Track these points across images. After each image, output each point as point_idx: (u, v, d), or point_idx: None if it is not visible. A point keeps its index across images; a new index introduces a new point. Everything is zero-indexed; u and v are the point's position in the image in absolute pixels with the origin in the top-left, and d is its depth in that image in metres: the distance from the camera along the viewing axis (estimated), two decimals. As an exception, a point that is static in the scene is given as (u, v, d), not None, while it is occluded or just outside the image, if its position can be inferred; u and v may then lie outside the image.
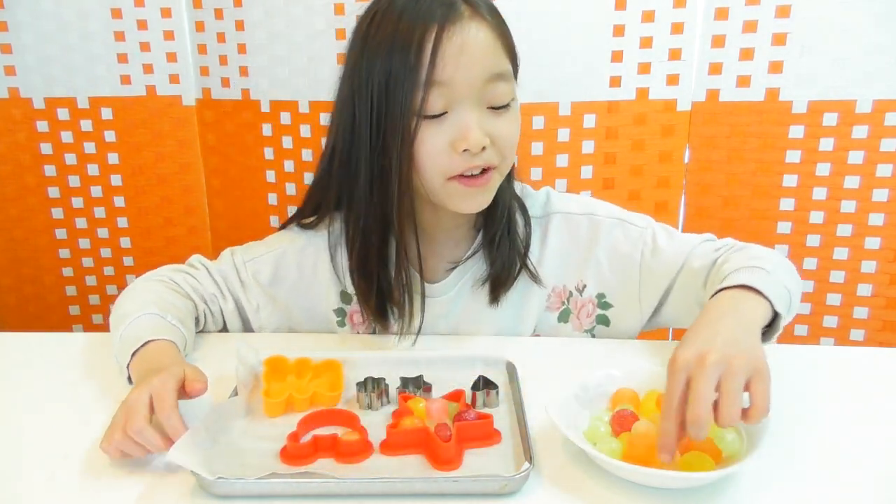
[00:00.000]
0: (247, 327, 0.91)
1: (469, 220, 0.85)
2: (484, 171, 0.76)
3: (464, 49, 0.72)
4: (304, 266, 0.88)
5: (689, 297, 0.83)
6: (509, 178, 0.83)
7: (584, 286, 0.87)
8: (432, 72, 0.71)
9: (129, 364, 0.73)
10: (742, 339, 0.61)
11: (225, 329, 0.90)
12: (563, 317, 0.88)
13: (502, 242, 0.83)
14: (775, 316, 0.70)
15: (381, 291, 0.82)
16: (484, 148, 0.74)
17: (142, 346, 0.73)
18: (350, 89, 0.76)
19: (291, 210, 0.95)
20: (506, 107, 0.76)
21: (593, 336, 0.89)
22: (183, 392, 0.65)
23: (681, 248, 0.84)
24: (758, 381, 0.56)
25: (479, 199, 0.78)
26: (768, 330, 0.71)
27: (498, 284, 0.84)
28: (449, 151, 0.74)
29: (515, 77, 0.79)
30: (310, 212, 0.88)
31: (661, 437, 0.55)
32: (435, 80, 0.72)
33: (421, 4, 0.73)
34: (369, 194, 0.77)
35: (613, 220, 0.86)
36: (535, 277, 0.85)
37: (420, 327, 0.82)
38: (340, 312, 0.89)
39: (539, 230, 0.87)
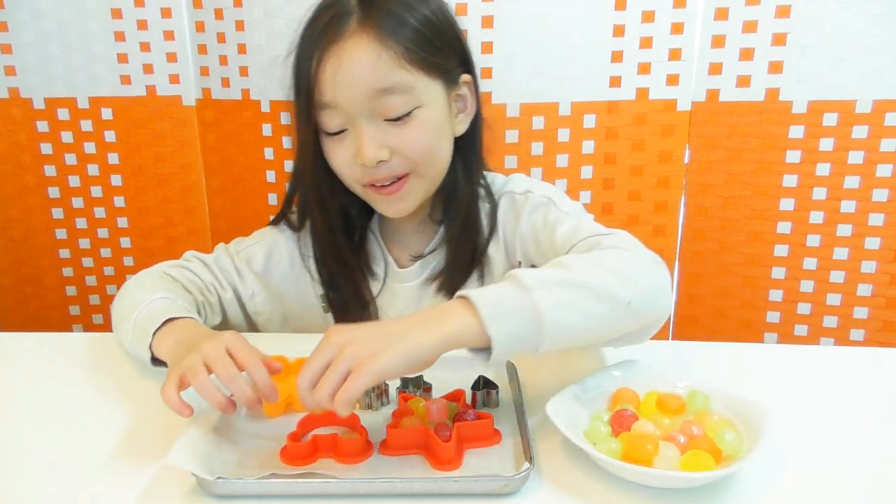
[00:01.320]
0: (245, 315, 0.92)
1: (428, 214, 0.88)
2: (399, 178, 0.79)
3: (338, 71, 0.74)
4: (294, 255, 0.92)
5: None
6: (470, 173, 0.85)
7: (520, 262, 0.88)
8: (317, 94, 0.75)
9: (151, 344, 0.71)
10: (389, 339, 0.56)
11: (225, 320, 0.91)
12: None
13: (461, 238, 0.86)
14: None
15: (338, 284, 0.88)
16: (384, 161, 0.76)
17: (161, 324, 0.72)
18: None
19: (291, 210, 0.96)
20: (406, 116, 0.76)
21: None
22: None
23: (570, 238, 0.77)
24: (354, 375, 0.54)
25: (398, 205, 0.82)
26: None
27: (451, 278, 0.87)
28: (353, 164, 0.78)
29: (449, 75, 0.79)
30: (289, 210, 0.92)
31: (300, 393, 0.56)
32: (321, 102, 0.75)
33: (317, 22, 0.76)
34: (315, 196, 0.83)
35: (543, 199, 0.85)
36: (482, 279, 0.87)
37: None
38: (325, 298, 0.92)
39: (494, 213, 0.89)
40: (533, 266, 0.86)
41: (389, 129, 0.76)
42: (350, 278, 0.89)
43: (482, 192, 0.88)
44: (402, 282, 0.90)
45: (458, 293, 0.60)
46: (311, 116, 0.77)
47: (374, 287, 0.91)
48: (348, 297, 0.89)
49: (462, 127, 0.84)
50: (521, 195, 0.87)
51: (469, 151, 0.85)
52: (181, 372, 0.61)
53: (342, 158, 0.79)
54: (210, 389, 0.60)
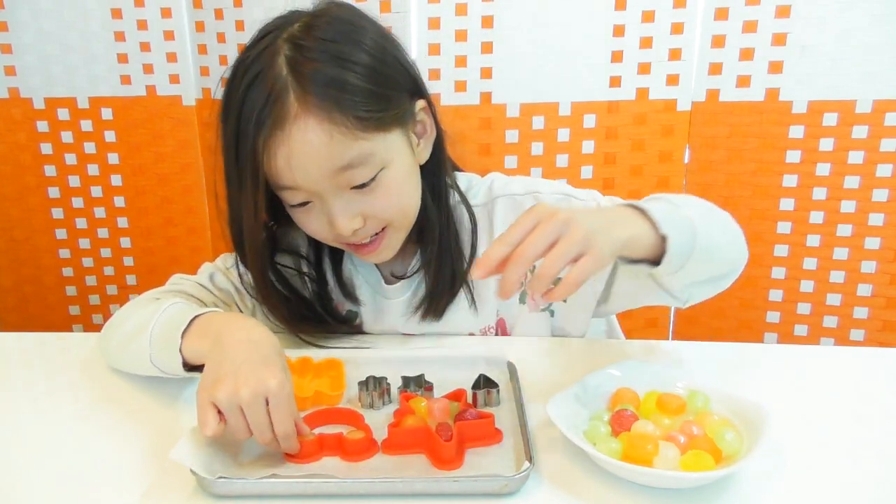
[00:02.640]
0: None
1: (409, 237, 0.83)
2: (376, 234, 0.76)
3: (291, 158, 0.68)
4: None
5: (634, 272, 0.79)
6: (438, 199, 0.82)
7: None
8: (274, 179, 0.71)
9: (181, 347, 0.66)
10: (602, 228, 0.58)
11: None
12: (522, 298, 0.87)
13: (437, 266, 0.83)
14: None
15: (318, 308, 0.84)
16: (359, 228, 0.74)
17: (189, 324, 0.67)
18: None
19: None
20: (372, 181, 0.72)
21: (552, 313, 0.87)
22: None
23: None
24: (587, 260, 0.55)
25: (379, 255, 0.79)
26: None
27: (433, 307, 0.84)
28: (327, 230, 0.75)
29: (401, 119, 0.74)
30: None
31: (485, 256, 0.57)
32: (279, 185, 0.72)
33: (252, 100, 0.68)
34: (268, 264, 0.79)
35: (558, 196, 0.84)
36: (471, 297, 0.84)
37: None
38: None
39: (485, 217, 0.86)
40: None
41: (358, 198, 0.73)
42: (328, 303, 0.85)
43: (457, 196, 0.85)
44: (389, 298, 0.87)
45: (626, 202, 0.65)
46: (258, 200, 0.71)
47: (362, 303, 0.88)
48: (329, 318, 0.85)
49: (425, 154, 0.80)
50: (523, 196, 0.84)
51: (435, 175, 0.81)
52: (216, 402, 0.58)
53: (314, 226, 0.76)
54: (245, 437, 0.58)
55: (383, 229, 0.77)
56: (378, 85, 0.71)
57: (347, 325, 0.87)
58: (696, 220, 0.65)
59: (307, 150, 0.68)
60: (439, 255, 0.82)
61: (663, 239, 0.62)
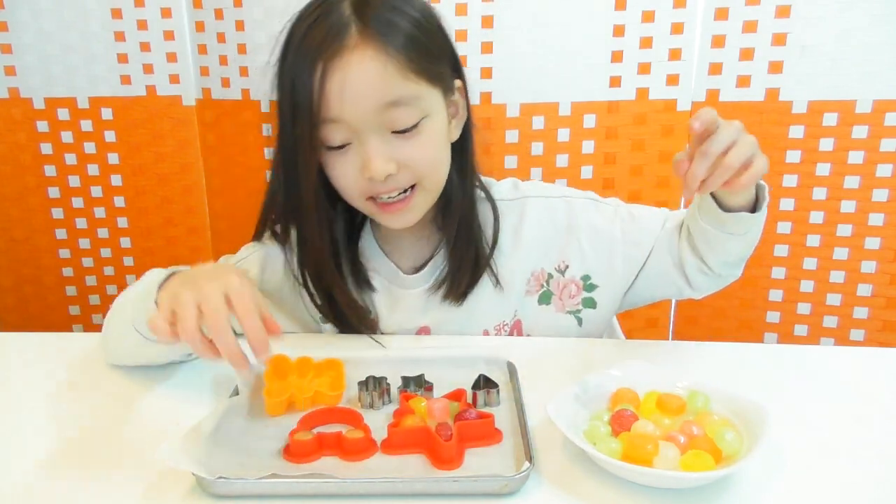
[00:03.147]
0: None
1: (430, 220, 0.86)
2: (405, 191, 0.77)
3: (345, 86, 0.71)
4: (286, 267, 0.88)
5: (666, 260, 0.85)
6: (464, 179, 0.84)
7: (567, 266, 0.88)
8: (322, 110, 0.72)
9: (156, 298, 0.66)
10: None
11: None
12: (545, 299, 0.89)
13: (459, 246, 0.84)
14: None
15: (336, 301, 0.84)
16: (391, 174, 0.75)
17: (166, 279, 0.68)
18: (277, 110, 0.77)
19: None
20: (414, 128, 0.75)
21: (579, 319, 0.89)
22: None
23: (655, 214, 0.89)
24: (759, 157, 0.66)
25: (403, 218, 0.81)
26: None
27: (456, 286, 0.85)
28: (358, 177, 0.76)
29: (444, 82, 0.78)
30: (271, 223, 0.88)
31: (691, 175, 0.65)
32: (326, 117, 0.73)
33: (313, 34, 0.72)
34: (314, 213, 0.79)
35: (587, 201, 0.89)
36: (495, 279, 0.86)
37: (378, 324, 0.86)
38: (322, 310, 0.89)
39: (514, 214, 0.88)
40: (586, 277, 0.88)
41: (396, 142, 0.75)
42: (345, 291, 0.86)
43: (481, 194, 0.87)
44: (406, 288, 0.88)
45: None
46: (314, 133, 0.74)
47: (376, 294, 0.88)
48: (345, 307, 0.86)
49: (456, 133, 0.83)
50: (558, 199, 0.89)
51: (462, 157, 0.84)
52: (173, 307, 0.58)
53: (346, 172, 0.77)
54: (195, 336, 0.58)
55: (412, 188, 0.78)
56: (428, 40, 0.76)
57: (363, 324, 0.86)
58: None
59: (362, 78, 0.71)
60: (463, 235, 0.84)
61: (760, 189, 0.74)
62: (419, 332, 0.88)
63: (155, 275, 0.74)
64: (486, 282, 0.86)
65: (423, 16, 0.76)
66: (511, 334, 0.89)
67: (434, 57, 0.76)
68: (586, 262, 0.87)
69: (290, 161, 0.77)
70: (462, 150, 0.84)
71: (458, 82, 0.82)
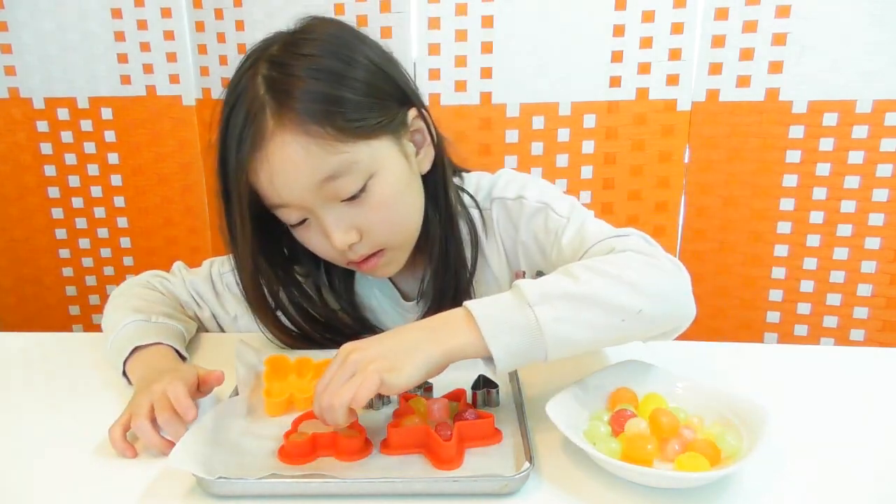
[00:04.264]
0: (223, 330, 0.91)
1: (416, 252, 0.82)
2: (374, 254, 0.75)
3: (273, 176, 0.68)
4: None
5: None
6: (440, 208, 0.80)
7: (524, 272, 0.85)
8: (265, 200, 0.71)
9: (124, 371, 0.74)
10: (404, 353, 0.58)
11: (220, 329, 0.91)
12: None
13: (442, 274, 0.82)
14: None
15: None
16: (355, 243, 0.72)
17: (130, 353, 0.74)
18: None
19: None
20: (362, 192, 0.71)
21: None
22: (197, 391, 0.67)
23: (580, 245, 0.75)
24: (363, 384, 0.55)
25: (382, 271, 0.79)
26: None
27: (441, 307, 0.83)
28: (328, 247, 0.74)
29: (392, 125, 0.73)
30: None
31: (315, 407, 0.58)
32: (272, 203, 0.72)
33: (233, 124, 0.69)
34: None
35: (538, 205, 0.81)
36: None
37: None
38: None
39: (490, 221, 0.85)
40: (540, 273, 0.80)
41: (350, 210, 0.71)
42: (338, 322, 0.84)
43: (468, 199, 0.84)
44: (407, 315, 0.87)
45: (465, 303, 0.61)
46: (245, 225, 0.72)
47: (381, 313, 0.88)
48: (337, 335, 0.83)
49: (427, 163, 0.78)
50: (513, 201, 0.83)
51: (437, 186, 0.80)
52: (130, 412, 0.64)
53: (315, 243, 0.75)
54: (146, 433, 0.62)
55: (381, 251, 0.75)
56: (358, 94, 0.70)
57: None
58: (543, 319, 0.58)
59: (287, 167, 0.68)
60: (441, 270, 0.82)
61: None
62: None
63: (129, 323, 0.79)
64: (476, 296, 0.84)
65: (355, 63, 0.71)
66: None
67: (369, 108, 0.71)
68: (534, 266, 0.84)
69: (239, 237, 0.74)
70: (437, 179, 0.80)
71: (412, 112, 0.76)
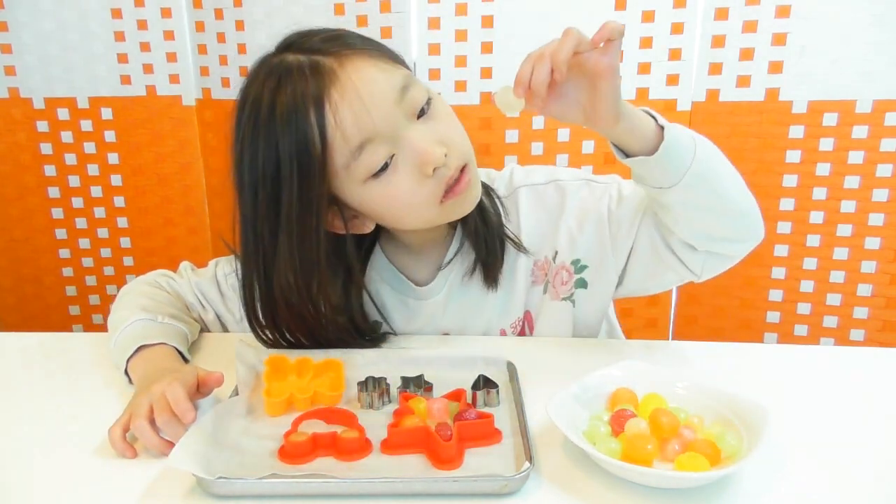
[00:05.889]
0: (226, 330, 0.91)
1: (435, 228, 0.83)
2: (462, 171, 0.75)
3: (361, 96, 0.69)
4: None
5: (654, 238, 0.80)
6: None
7: (556, 253, 0.86)
8: (351, 140, 0.70)
9: (126, 369, 0.75)
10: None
11: (225, 330, 0.91)
12: (546, 288, 0.88)
13: (479, 228, 0.83)
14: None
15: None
16: (446, 154, 0.72)
17: (134, 352, 0.75)
18: (251, 184, 0.72)
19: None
20: (428, 104, 0.73)
21: (573, 303, 0.87)
22: (197, 392, 0.67)
23: (644, 194, 0.82)
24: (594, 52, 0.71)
25: (471, 196, 0.77)
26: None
27: (489, 267, 0.84)
28: (422, 182, 0.73)
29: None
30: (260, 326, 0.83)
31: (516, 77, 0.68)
32: (360, 142, 0.70)
33: (290, 95, 0.69)
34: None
35: (579, 182, 0.86)
36: (518, 246, 0.85)
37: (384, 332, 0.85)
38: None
39: (510, 207, 0.87)
40: (576, 261, 0.86)
41: (427, 126, 0.73)
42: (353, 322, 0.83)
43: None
44: (421, 299, 0.87)
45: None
46: (322, 191, 0.71)
47: (391, 309, 0.88)
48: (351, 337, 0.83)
49: None
50: (545, 185, 0.86)
51: None
52: (130, 412, 0.64)
53: (406, 187, 0.73)
54: (146, 434, 0.62)
55: (465, 166, 0.75)
56: (383, 47, 0.77)
57: (371, 340, 0.84)
58: (697, 138, 0.71)
59: (369, 85, 0.70)
60: (480, 219, 0.82)
61: (662, 129, 0.70)
62: None
63: (135, 321, 0.79)
64: (499, 282, 0.85)
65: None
66: (524, 328, 0.88)
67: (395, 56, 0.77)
68: (575, 245, 0.85)
69: (297, 232, 0.72)
70: None
71: None
